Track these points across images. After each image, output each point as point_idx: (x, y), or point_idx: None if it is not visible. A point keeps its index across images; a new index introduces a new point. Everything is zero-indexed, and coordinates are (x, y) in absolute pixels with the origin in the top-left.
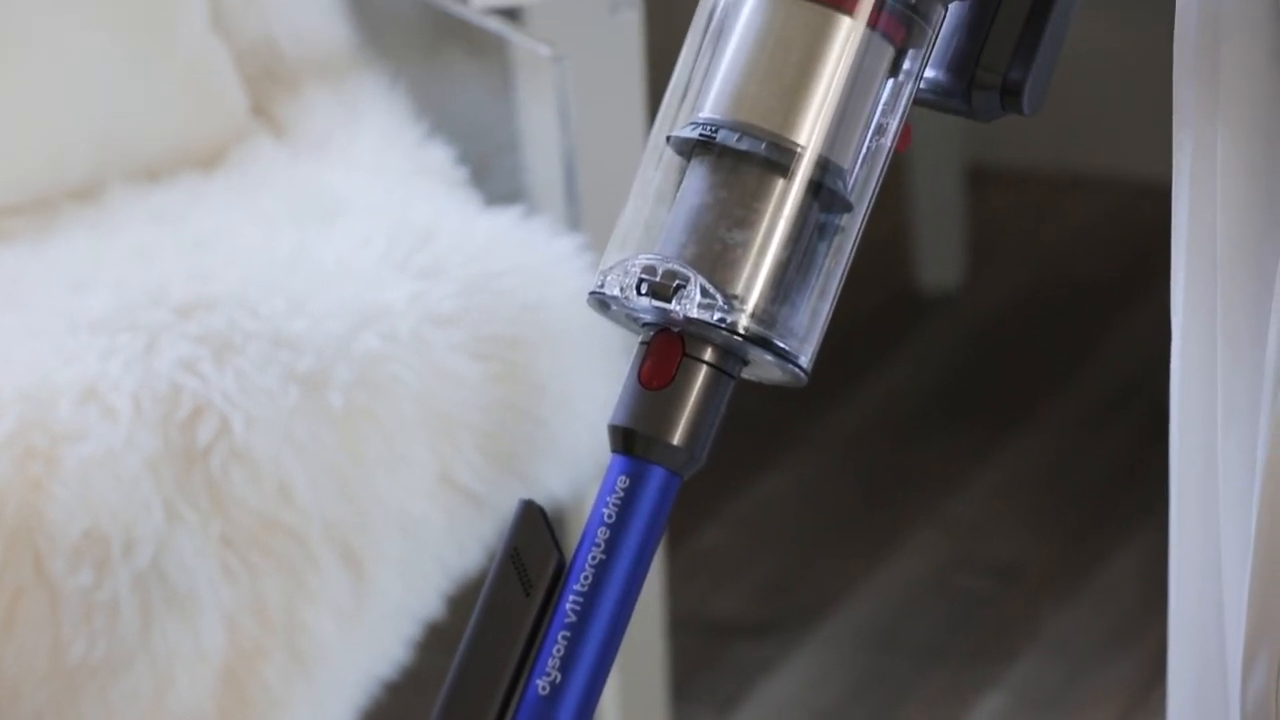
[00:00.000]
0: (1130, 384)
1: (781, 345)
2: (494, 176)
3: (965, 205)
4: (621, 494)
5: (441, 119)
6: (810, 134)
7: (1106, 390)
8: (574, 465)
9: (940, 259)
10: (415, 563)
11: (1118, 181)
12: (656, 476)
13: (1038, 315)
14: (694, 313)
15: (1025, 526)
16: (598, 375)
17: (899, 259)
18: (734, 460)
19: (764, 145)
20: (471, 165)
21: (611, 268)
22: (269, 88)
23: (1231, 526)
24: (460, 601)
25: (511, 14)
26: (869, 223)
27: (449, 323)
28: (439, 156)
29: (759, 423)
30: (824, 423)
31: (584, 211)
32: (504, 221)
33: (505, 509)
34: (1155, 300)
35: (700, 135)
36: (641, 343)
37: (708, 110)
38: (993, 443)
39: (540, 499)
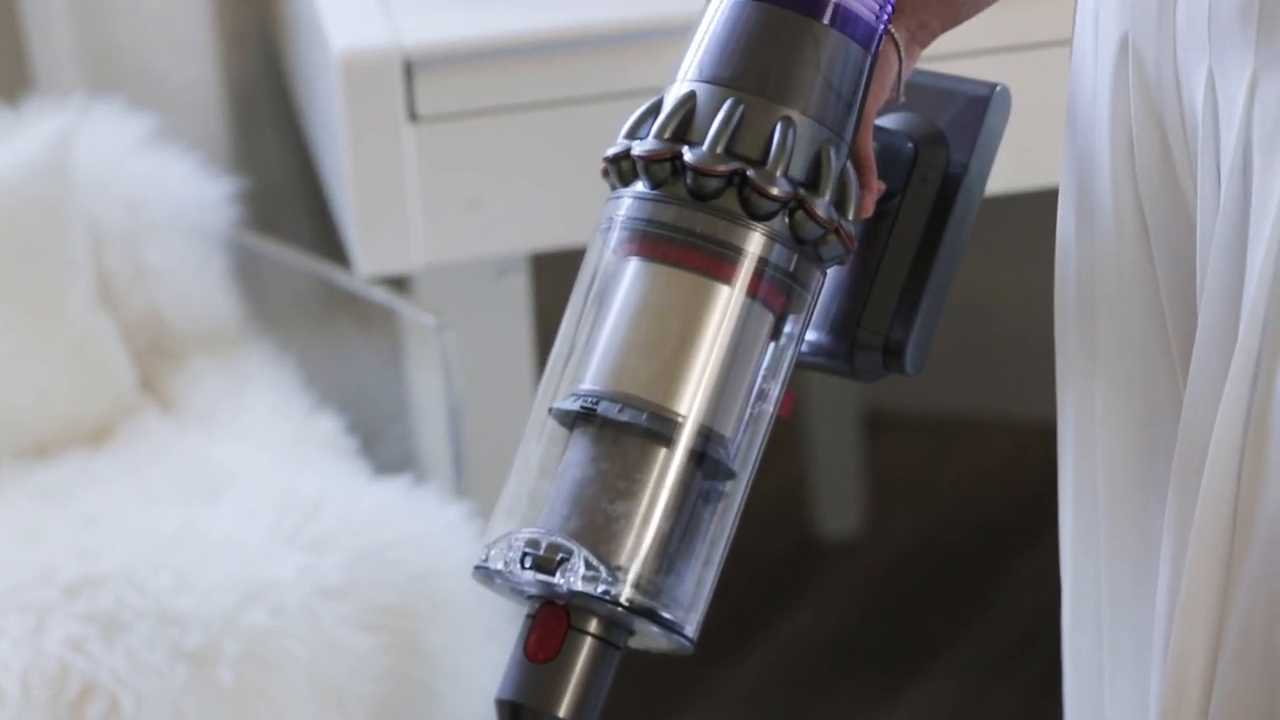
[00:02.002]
0: (1030, 629)
1: (667, 616)
2: (384, 445)
3: (862, 452)
4: None
5: (331, 389)
6: (691, 404)
7: (1007, 637)
8: None
9: (839, 506)
10: None
11: (1013, 425)
12: None
13: (937, 561)
14: (578, 586)
15: None
16: (490, 642)
17: (798, 507)
18: (633, 716)
19: (645, 416)
20: (361, 434)
21: (496, 541)
22: (157, 361)
23: None
24: None
25: (399, 283)
26: (768, 472)
27: (338, 595)
28: (328, 426)
29: (658, 677)
30: (724, 675)
31: (473, 478)
32: (393, 491)
33: None
34: (1053, 543)
35: (581, 407)
36: (527, 615)
37: (588, 381)
38: (893, 693)
39: None
